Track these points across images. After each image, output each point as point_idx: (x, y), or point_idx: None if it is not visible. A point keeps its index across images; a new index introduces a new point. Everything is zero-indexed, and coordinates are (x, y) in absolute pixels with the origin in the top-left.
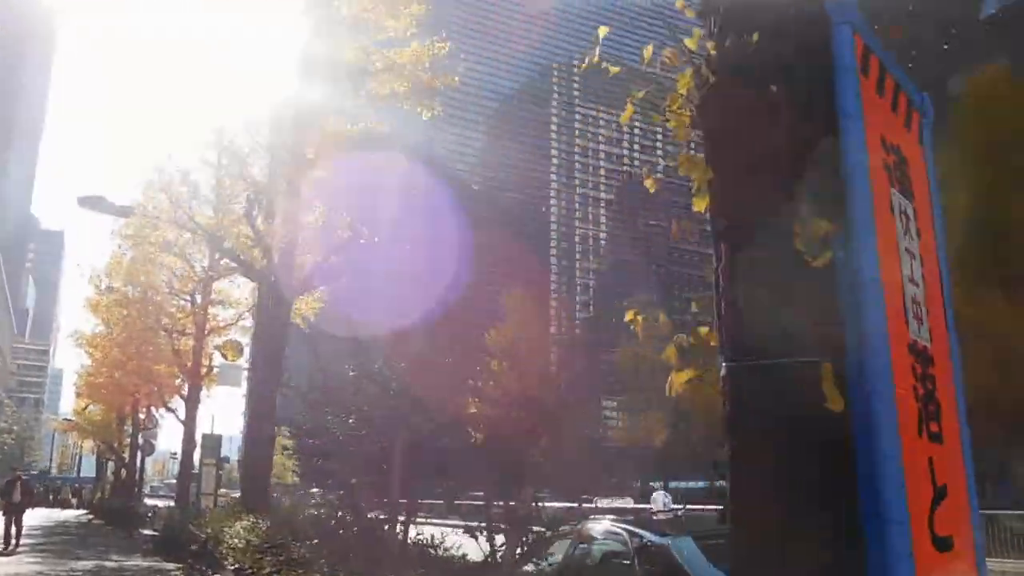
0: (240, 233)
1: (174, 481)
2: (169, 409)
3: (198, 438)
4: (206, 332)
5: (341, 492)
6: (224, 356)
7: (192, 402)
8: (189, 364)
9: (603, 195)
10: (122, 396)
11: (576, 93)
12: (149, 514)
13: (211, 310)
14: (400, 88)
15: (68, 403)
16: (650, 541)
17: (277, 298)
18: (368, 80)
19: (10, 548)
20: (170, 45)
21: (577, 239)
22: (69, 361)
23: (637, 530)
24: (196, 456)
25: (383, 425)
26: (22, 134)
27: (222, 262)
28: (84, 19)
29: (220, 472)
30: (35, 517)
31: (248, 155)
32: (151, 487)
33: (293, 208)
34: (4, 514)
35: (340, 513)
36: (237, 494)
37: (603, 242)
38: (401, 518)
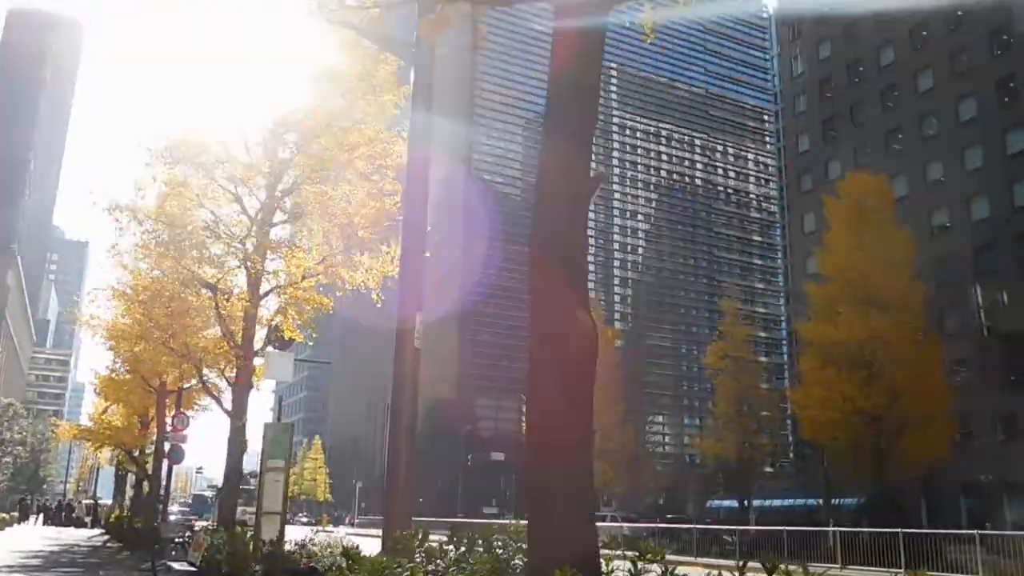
0: None
1: (208, 493)
2: (212, 396)
3: (252, 434)
4: (261, 293)
5: None
6: (275, 337)
7: (242, 386)
8: (239, 335)
9: (642, 203)
10: (145, 393)
11: (614, 102)
12: (179, 539)
13: (268, 264)
14: None
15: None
16: None
17: None
18: None
19: None
20: (198, 46)
21: (616, 246)
22: (92, 373)
23: None
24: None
25: None
26: (44, 142)
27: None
28: (110, 29)
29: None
30: (40, 539)
31: None
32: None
33: None
34: None
35: None
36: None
37: (641, 249)
38: None
